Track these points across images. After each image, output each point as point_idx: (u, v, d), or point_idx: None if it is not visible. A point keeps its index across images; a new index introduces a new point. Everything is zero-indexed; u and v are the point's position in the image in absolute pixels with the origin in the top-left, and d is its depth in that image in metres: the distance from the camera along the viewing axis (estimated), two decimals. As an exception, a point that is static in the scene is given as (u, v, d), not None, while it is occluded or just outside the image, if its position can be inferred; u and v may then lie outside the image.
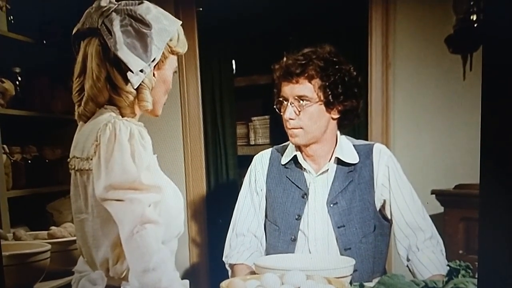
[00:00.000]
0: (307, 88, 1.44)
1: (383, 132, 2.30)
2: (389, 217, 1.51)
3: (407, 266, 1.49)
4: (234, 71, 2.77)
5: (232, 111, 2.74)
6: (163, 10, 1.12)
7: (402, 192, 1.49)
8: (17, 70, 2.23)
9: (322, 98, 1.44)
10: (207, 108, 2.71)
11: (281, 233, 1.52)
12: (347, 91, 1.46)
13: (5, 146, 2.08)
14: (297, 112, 1.45)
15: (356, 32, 2.43)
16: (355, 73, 1.49)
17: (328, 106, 1.46)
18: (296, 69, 1.43)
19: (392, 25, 2.24)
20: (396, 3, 2.23)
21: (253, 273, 1.42)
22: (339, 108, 1.47)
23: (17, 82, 2.21)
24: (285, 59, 1.47)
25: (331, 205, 1.47)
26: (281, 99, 1.48)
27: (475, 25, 1.94)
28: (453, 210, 1.99)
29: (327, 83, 1.43)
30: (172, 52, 1.14)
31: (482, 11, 1.92)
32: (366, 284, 1.28)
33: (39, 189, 2.27)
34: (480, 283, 0.73)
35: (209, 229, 2.66)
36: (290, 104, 1.45)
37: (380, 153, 1.51)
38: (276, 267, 1.27)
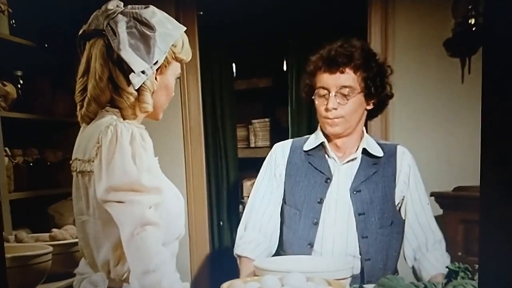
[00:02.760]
0: (352, 78, 1.46)
1: (382, 135, 2.31)
2: (403, 216, 1.53)
3: (412, 266, 1.51)
4: (234, 74, 2.79)
5: (233, 114, 2.75)
6: (168, 15, 1.13)
7: (419, 193, 1.52)
8: (19, 73, 2.24)
9: (364, 88, 1.47)
10: (208, 110, 2.72)
11: (302, 217, 1.52)
12: (385, 83, 1.50)
13: (7, 148, 2.09)
14: (343, 102, 1.46)
15: (355, 35, 2.44)
16: (387, 65, 1.53)
17: (368, 97, 1.49)
18: (344, 59, 1.44)
19: (391, 28, 2.25)
20: (395, 6, 2.24)
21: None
22: (376, 99, 1.50)
23: (19, 85, 2.22)
24: (323, 51, 1.48)
25: (354, 192, 1.49)
26: (321, 89, 1.48)
27: (474, 29, 1.96)
28: (452, 212, 1.99)
29: (370, 75, 1.46)
30: (176, 59, 1.15)
31: (480, 15, 1.93)
32: (366, 286, 1.29)
33: (40, 191, 2.27)
34: (481, 286, 0.74)
35: (210, 231, 2.66)
36: (334, 95, 1.46)
37: (404, 153, 1.54)
38: (276, 269, 1.28)
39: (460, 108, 2.16)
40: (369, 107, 1.51)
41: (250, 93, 2.79)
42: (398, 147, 1.55)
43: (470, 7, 1.95)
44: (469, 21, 1.96)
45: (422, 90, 2.24)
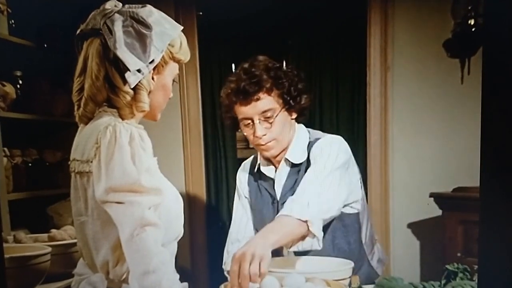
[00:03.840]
0: (269, 101, 1.44)
1: (381, 136, 2.31)
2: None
3: None
4: (234, 75, 2.78)
5: (232, 114, 2.75)
6: (165, 15, 1.13)
7: (317, 167, 1.43)
8: (18, 73, 2.24)
9: (283, 104, 1.46)
10: (207, 111, 2.73)
11: None
12: (300, 90, 1.47)
13: (5, 149, 2.09)
14: (269, 125, 1.45)
15: (355, 36, 2.45)
16: (295, 71, 1.50)
17: (290, 109, 1.47)
18: (253, 87, 1.42)
19: (391, 29, 2.26)
20: (395, 8, 2.25)
21: None
22: (297, 107, 1.48)
23: (18, 86, 2.22)
24: (231, 84, 1.45)
25: (282, 204, 1.47)
26: (244, 120, 1.47)
27: (473, 30, 1.96)
28: (452, 213, 2.00)
29: (284, 89, 1.44)
30: (173, 59, 1.15)
31: (480, 16, 1.93)
32: (365, 286, 1.29)
33: (39, 191, 2.27)
34: (480, 287, 0.74)
35: (208, 232, 2.66)
36: (259, 122, 1.44)
37: (314, 147, 1.49)
38: (276, 270, 1.28)
39: (460, 109, 2.17)
40: (293, 116, 1.50)
41: (250, 94, 2.78)
42: (318, 141, 1.50)
43: (469, 8, 1.95)
44: (469, 22, 1.96)
45: (422, 90, 2.25)
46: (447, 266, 1.22)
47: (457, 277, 1.19)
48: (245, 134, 1.50)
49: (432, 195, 2.05)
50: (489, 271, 0.69)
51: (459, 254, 1.95)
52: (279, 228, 1.30)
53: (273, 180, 1.55)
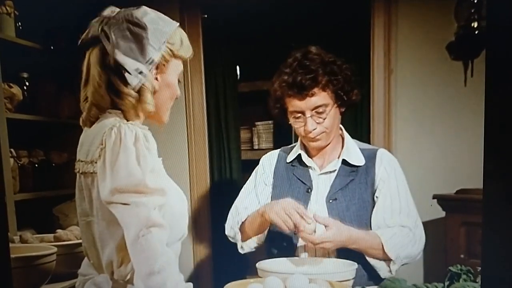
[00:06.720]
0: (323, 97, 1.45)
1: (385, 137, 2.31)
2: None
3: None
4: (238, 77, 2.80)
5: (236, 116, 2.76)
6: (161, 14, 1.13)
7: (391, 193, 1.50)
8: (25, 75, 2.25)
9: (336, 100, 1.47)
10: (212, 112, 2.73)
11: None
12: (353, 85, 1.49)
13: (12, 150, 2.10)
14: (320, 120, 1.46)
15: (358, 39, 2.45)
16: (348, 65, 1.50)
17: (342, 105, 1.49)
18: (310, 82, 1.42)
19: (394, 32, 2.26)
20: (398, 10, 2.25)
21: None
22: (349, 102, 1.50)
23: (25, 87, 2.24)
24: (285, 76, 1.45)
25: (330, 201, 1.50)
26: (295, 113, 1.48)
27: (476, 32, 1.96)
28: (455, 214, 1.99)
29: (339, 85, 1.45)
30: (175, 56, 1.15)
31: (483, 18, 1.94)
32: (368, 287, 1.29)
33: (45, 192, 2.28)
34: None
35: (213, 232, 2.67)
36: (311, 116, 1.46)
37: (382, 158, 1.54)
38: (279, 271, 1.29)
39: (463, 111, 2.16)
40: (342, 110, 1.51)
41: (254, 96, 2.79)
42: (378, 151, 1.55)
43: (472, 10, 1.95)
44: (472, 25, 1.96)
45: (425, 93, 2.24)
46: (451, 268, 1.22)
47: (461, 278, 1.19)
48: (294, 126, 1.51)
49: (435, 196, 2.05)
50: (492, 273, 0.70)
51: (462, 256, 1.95)
52: (366, 241, 1.41)
53: (309, 170, 1.55)
